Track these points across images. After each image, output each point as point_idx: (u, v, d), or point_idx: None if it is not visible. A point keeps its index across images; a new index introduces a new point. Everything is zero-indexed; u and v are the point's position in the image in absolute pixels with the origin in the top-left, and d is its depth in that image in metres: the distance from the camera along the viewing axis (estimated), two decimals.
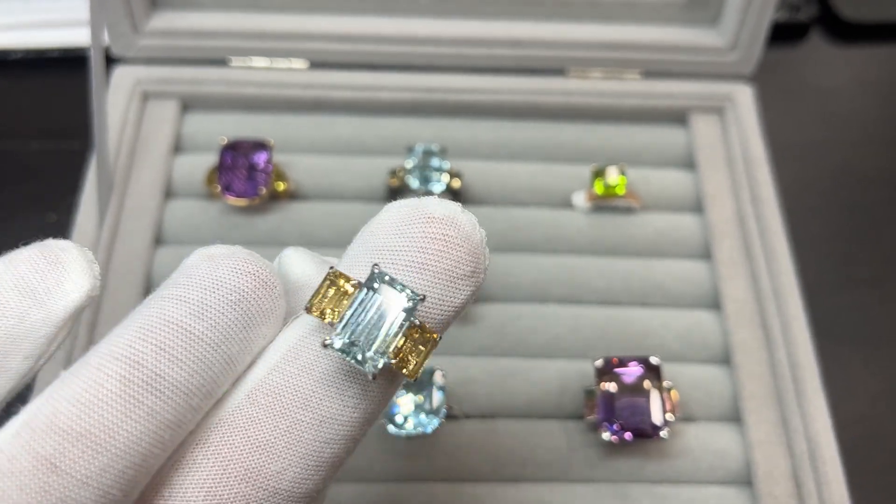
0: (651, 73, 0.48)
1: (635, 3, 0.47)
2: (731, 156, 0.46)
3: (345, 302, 0.20)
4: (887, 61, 0.56)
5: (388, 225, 0.21)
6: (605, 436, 0.37)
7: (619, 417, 0.37)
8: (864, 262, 0.47)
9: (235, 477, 0.19)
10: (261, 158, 0.43)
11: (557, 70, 0.48)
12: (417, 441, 0.37)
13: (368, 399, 0.20)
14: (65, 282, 0.20)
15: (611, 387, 0.37)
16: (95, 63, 0.38)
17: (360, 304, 0.20)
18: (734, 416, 0.39)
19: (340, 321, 0.20)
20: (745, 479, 0.38)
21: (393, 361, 0.20)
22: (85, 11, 0.38)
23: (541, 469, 0.37)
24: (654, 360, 0.38)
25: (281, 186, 0.43)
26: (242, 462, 0.19)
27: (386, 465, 0.37)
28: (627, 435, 0.36)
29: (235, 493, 0.19)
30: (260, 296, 0.20)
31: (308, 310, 0.20)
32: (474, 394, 0.39)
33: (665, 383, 0.37)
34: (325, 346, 0.19)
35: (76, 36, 0.51)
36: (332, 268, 0.20)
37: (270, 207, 0.43)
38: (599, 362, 0.38)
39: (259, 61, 0.47)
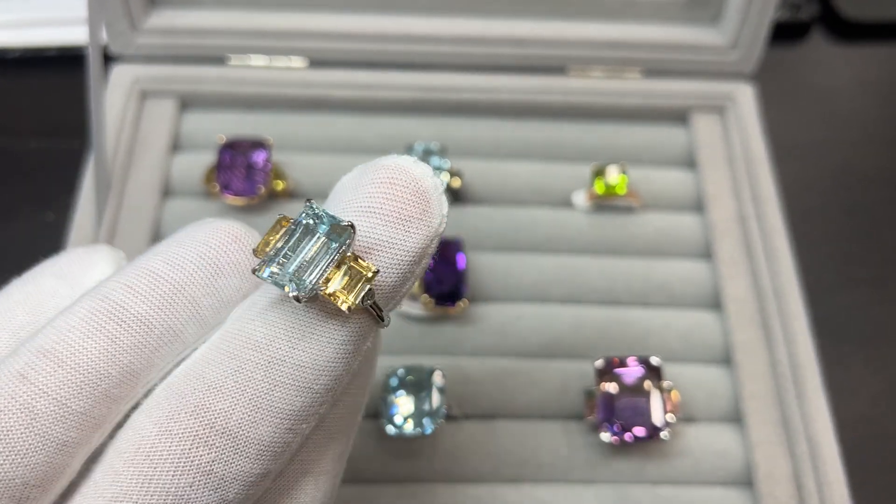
0: (652, 71, 0.48)
1: (636, 2, 0.47)
2: (732, 155, 0.46)
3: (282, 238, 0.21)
4: (888, 61, 0.56)
5: (348, 180, 0.22)
6: (606, 436, 0.36)
7: (619, 418, 0.36)
8: (865, 261, 0.47)
9: (186, 412, 0.20)
10: (259, 157, 0.42)
11: (558, 69, 0.48)
12: (417, 442, 0.37)
13: (318, 342, 0.21)
14: (93, 268, 0.24)
15: (611, 387, 0.37)
16: (93, 61, 0.38)
17: (288, 235, 0.21)
18: (735, 417, 0.39)
19: (271, 252, 0.21)
20: (745, 480, 0.38)
21: (322, 289, 0.20)
22: (83, 9, 0.37)
23: (541, 470, 0.37)
24: (654, 360, 0.37)
25: (280, 185, 0.43)
26: (193, 399, 0.20)
27: (385, 465, 0.37)
28: (627, 436, 0.36)
29: (185, 427, 0.20)
30: (230, 249, 0.22)
31: (254, 252, 0.21)
32: (474, 394, 0.38)
33: (665, 384, 0.37)
34: (253, 272, 0.20)
35: (74, 34, 0.51)
36: (281, 214, 0.22)
37: (269, 206, 0.43)
38: (600, 363, 0.37)
39: (258, 60, 0.47)
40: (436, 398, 0.36)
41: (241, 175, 0.42)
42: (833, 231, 0.48)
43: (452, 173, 0.43)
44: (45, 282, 0.23)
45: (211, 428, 0.20)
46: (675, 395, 0.37)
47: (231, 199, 0.42)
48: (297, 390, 0.21)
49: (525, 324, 0.41)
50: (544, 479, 0.37)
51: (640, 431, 0.36)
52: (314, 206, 0.21)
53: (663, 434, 0.36)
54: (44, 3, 0.52)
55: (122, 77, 0.46)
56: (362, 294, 0.20)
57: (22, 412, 0.19)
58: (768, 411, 0.38)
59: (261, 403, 0.20)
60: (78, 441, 0.20)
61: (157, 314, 0.21)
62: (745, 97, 0.47)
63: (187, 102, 0.47)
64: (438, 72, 0.47)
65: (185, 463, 0.20)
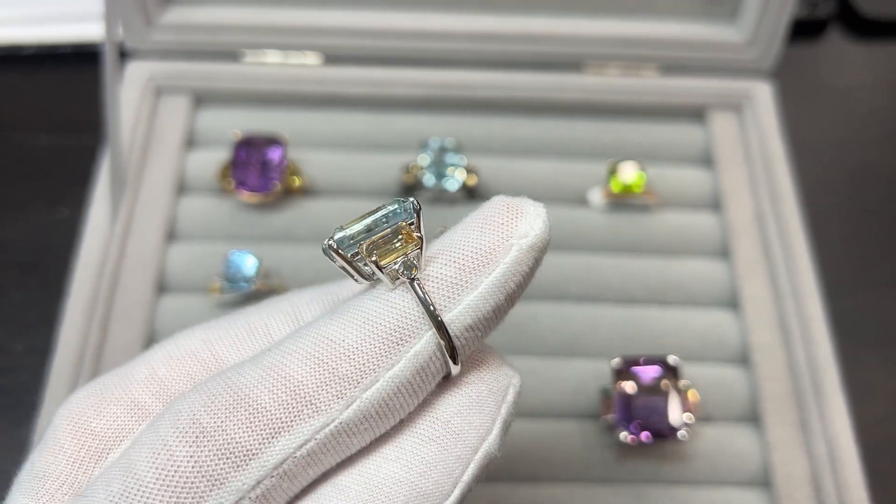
0: (669, 69, 0.47)
1: None
2: (750, 153, 0.45)
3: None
4: None
5: None
6: (623, 436, 0.36)
7: (636, 417, 0.36)
8: (883, 262, 0.47)
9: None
10: (275, 154, 0.42)
11: (574, 65, 0.47)
12: None
13: (351, 319, 0.20)
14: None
15: (628, 387, 0.37)
16: (109, 57, 0.38)
17: (369, 215, 0.21)
18: (752, 417, 0.39)
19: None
20: (763, 481, 0.37)
21: (363, 247, 0.20)
22: (97, 5, 0.37)
23: (557, 469, 0.37)
24: (671, 359, 0.37)
25: (295, 182, 0.43)
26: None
27: None
28: (644, 435, 0.36)
29: (199, 374, 0.22)
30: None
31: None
32: None
33: (683, 383, 0.37)
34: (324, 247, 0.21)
35: (88, 31, 0.51)
36: None
37: (283, 203, 0.43)
38: (617, 362, 0.37)
39: (272, 56, 0.47)
40: None
41: (256, 172, 0.42)
42: (851, 231, 0.48)
43: (468, 170, 0.43)
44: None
45: (222, 380, 0.20)
46: (692, 394, 0.37)
47: (246, 196, 0.42)
48: (314, 363, 0.20)
49: (541, 322, 0.40)
50: (561, 478, 0.37)
51: (657, 431, 0.36)
52: (401, 198, 0.21)
53: (681, 434, 0.36)
54: None
55: (137, 73, 0.46)
56: (398, 258, 0.20)
57: (121, 373, 0.22)
58: (786, 412, 0.38)
59: (272, 367, 0.20)
60: (149, 407, 0.21)
61: (259, 316, 0.23)
62: (762, 95, 0.47)
63: (202, 99, 0.47)
64: (454, 69, 0.47)
65: (179, 408, 0.20)
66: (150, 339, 0.39)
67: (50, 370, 0.37)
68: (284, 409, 0.19)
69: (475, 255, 0.20)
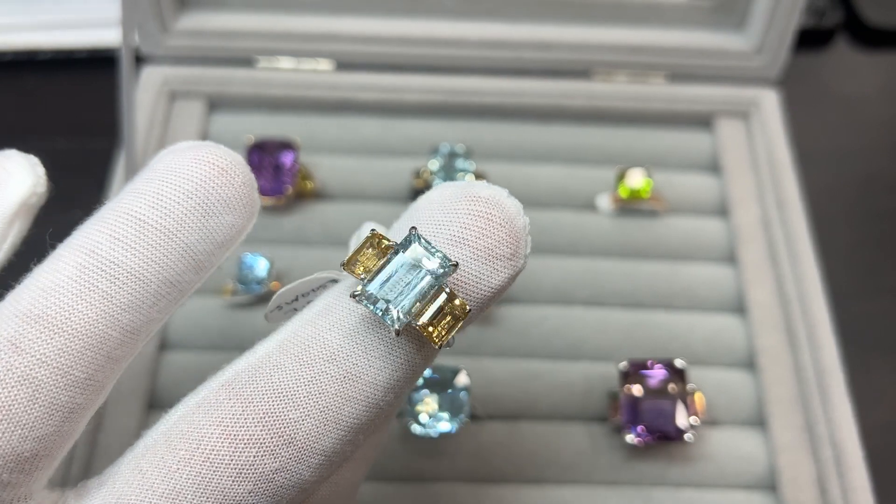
0: (676, 76, 0.48)
1: (661, 6, 0.47)
2: (757, 160, 0.46)
3: (380, 260, 0.20)
4: None
5: (435, 201, 0.21)
6: (629, 438, 0.36)
7: (643, 420, 0.36)
8: (890, 269, 0.47)
9: (254, 419, 0.19)
10: (287, 158, 0.43)
11: (582, 73, 0.48)
12: (441, 441, 0.37)
13: (394, 363, 0.20)
14: (9, 182, 0.22)
15: (635, 390, 0.37)
16: (126, 62, 0.39)
17: (392, 262, 0.20)
18: (759, 421, 0.39)
19: (372, 275, 0.20)
20: (769, 485, 0.38)
21: (418, 323, 0.20)
22: (112, 11, 0.38)
23: (564, 471, 0.37)
24: (678, 363, 0.37)
25: (308, 186, 0.43)
26: (262, 406, 0.19)
27: (409, 464, 0.37)
28: (651, 438, 0.36)
29: (252, 435, 0.19)
30: (218, 184, 0.21)
31: (343, 265, 0.20)
32: (498, 395, 0.39)
33: (689, 387, 0.37)
34: (352, 296, 0.20)
35: (104, 36, 0.51)
36: (373, 229, 0.21)
37: (295, 207, 0.44)
38: (624, 365, 0.38)
39: (285, 62, 0.47)
40: (460, 398, 0.36)
41: (268, 175, 0.42)
42: (858, 239, 0.48)
43: (478, 176, 0.43)
44: None
45: (280, 438, 0.19)
46: (699, 398, 0.37)
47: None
48: (366, 407, 0.20)
49: (549, 326, 0.41)
50: (567, 481, 0.37)
51: (664, 434, 0.36)
52: (422, 237, 0.20)
53: (687, 437, 0.36)
54: (73, 5, 0.53)
55: (152, 78, 0.46)
56: (454, 332, 0.20)
57: (22, 384, 0.18)
58: (792, 416, 0.38)
59: (330, 416, 0.20)
60: (85, 405, 0.19)
61: (152, 267, 0.20)
62: (769, 103, 0.47)
63: (215, 103, 0.47)
64: (464, 75, 0.47)
65: (248, 470, 0.19)
66: (162, 340, 0.40)
67: None
68: (347, 446, 0.21)
69: (491, 294, 0.21)
